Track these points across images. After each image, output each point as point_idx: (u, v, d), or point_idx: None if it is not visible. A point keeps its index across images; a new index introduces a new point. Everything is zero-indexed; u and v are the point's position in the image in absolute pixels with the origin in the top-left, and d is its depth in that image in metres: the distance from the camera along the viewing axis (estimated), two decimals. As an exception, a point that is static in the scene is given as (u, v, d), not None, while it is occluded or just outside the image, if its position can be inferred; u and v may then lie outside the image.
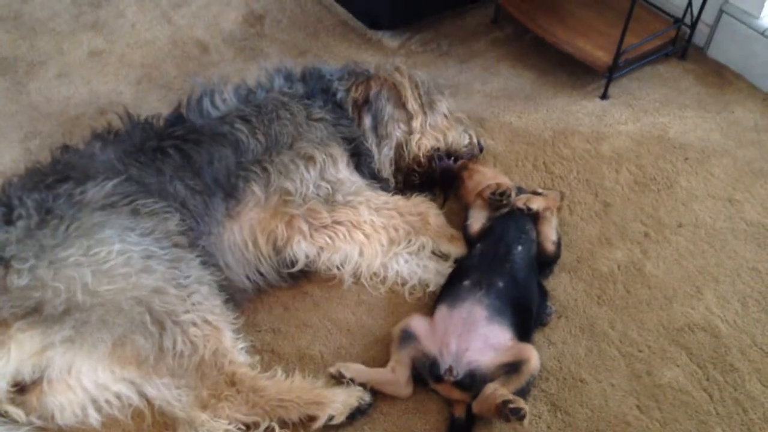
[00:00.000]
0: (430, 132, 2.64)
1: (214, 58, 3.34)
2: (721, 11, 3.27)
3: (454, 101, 2.81)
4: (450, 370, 1.96)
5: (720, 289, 2.39)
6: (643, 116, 3.08)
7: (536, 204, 2.31)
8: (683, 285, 2.40)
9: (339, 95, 2.56)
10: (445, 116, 2.69)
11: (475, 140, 2.75)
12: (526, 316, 2.11)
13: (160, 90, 3.15)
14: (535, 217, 2.34)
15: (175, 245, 2.04)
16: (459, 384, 1.96)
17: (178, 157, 2.21)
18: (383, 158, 2.57)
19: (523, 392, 1.97)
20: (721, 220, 2.63)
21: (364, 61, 2.80)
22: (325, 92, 2.55)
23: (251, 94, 2.47)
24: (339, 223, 2.31)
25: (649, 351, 2.21)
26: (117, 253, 1.90)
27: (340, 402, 1.97)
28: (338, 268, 2.34)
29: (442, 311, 2.09)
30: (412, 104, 2.59)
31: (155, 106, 3.03)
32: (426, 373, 2.03)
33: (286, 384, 2.00)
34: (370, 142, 2.55)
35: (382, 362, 2.12)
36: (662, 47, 3.28)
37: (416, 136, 2.61)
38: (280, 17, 3.61)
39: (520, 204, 2.31)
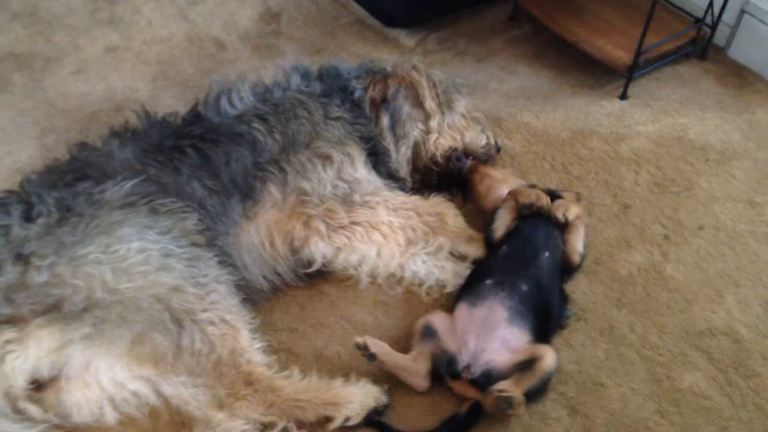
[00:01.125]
0: (448, 131, 2.61)
1: (230, 56, 3.33)
2: (742, 11, 3.23)
3: (471, 100, 2.78)
4: (468, 367, 1.96)
5: (741, 293, 2.36)
6: (663, 117, 3.05)
7: (573, 214, 2.26)
8: (704, 288, 2.37)
9: (356, 94, 2.54)
10: (463, 116, 2.67)
11: (492, 141, 2.72)
12: (547, 321, 2.09)
13: (176, 87, 3.14)
14: (563, 226, 2.29)
15: (193, 244, 2.03)
16: (475, 382, 1.96)
17: (196, 157, 2.20)
18: (401, 158, 2.55)
19: (539, 392, 1.96)
20: (741, 223, 2.59)
21: (381, 59, 2.77)
22: (342, 91, 2.53)
23: (268, 93, 2.45)
24: (356, 223, 2.29)
25: (669, 355, 2.19)
26: (136, 251, 1.89)
27: (357, 402, 1.96)
28: (355, 269, 2.32)
29: (462, 309, 2.08)
30: (430, 103, 2.56)
31: (171, 103, 3.02)
32: (443, 369, 2.02)
33: (302, 384, 1.99)
34: (388, 141, 2.53)
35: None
36: (682, 47, 3.25)
37: (434, 136, 2.59)
38: (296, 15, 3.59)
39: (559, 214, 2.24)
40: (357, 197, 2.33)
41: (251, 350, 2.00)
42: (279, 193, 2.25)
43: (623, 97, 3.14)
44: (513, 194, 2.34)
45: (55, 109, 3.01)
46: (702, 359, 2.18)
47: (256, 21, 3.55)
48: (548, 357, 1.94)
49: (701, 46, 3.32)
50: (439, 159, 2.61)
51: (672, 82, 3.23)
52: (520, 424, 2.00)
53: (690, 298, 2.34)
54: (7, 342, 1.79)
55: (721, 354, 2.19)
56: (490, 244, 2.32)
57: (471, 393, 1.99)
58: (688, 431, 2.01)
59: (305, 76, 2.55)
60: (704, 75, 3.27)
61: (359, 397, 1.98)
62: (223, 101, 2.39)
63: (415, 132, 2.58)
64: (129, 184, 2.05)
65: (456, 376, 1.98)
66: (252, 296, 2.22)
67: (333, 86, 2.53)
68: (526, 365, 1.93)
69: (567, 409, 2.05)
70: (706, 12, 3.20)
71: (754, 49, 3.25)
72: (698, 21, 3.23)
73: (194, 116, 2.37)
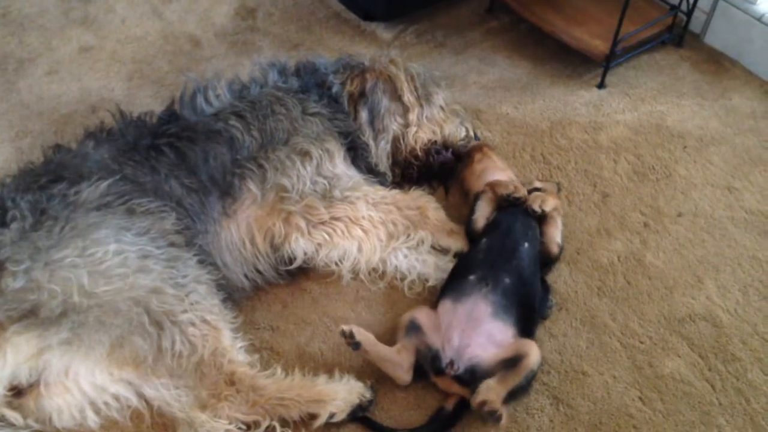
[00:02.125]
0: (427, 125, 2.61)
1: (206, 53, 3.30)
2: (717, -2, 3.25)
3: (450, 93, 2.78)
4: (451, 364, 1.95)
5: (720, 279, 2.38)
6: (641, 105, 3.06)
7: (549, 205, 2.27)
8: (683, 275, 2.39)
9: (334, 89, 2.52)
10: (442, 108, 2.66)
11: (471, 133, 2.72)
12: (530, 313, 2.09)
13: (152, 86, 3.11)
14: (541, 217, 2.29)
15: (172, 244, 2.01)
16: (459, 378, 1.95)
17: (173, 156, 2.18)
18: (380, 152, 2.55)
19: (523, 389, 1.96)
20: (720, 209, 2.61)
21: (359, 53, 2.76)
22: (320, 86, 2.52)
23: (245, 90, 2.43)
24: (337, 219, 2.28)
25: (650, 342, 2.20)
26: (113, 254, 1.87)
27: (341, 399, 1.95)
28: (337, 264, 2.31)
29: (446, 305, 2.07)
30: (408, 96, 2.55)
31: (147, 102, 2.99)
32: (428, 365, 2.01)
33: (286, 382, 1.98)
34: (367, 136, 2.52)
35: (382, 358, 2.11)
36: (659, 35, 3.26)
37: (413, 129, 2.58)
38: (273, 10, 3.57)
39: (535, 206, 2.25)
40: (337, 193, 2.31)
41: (233, 350, 1.98)
42: (258, 190, 2.23)
43: (601, 86, 3.15)
44: (491, 186, 2.34)
45: (29, 111, 2.97)
46: (683, 345, 2.19)
47: (231, 17, 3.52)
48: (533, 354, 1.94)
49: (677, 33, 3.33)
50: (419, 152, 2.60)
51: (649, 70, 3.24)
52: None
53: (670, 285, 2.35)
54: None
55: (701, 339, 2.21)
56: (472, 236, 2.32)
57: (455, 389, 1.99)
58: (671, 417, 2.02)
59: (282, 71, 2.53)
60: (681, 62, 3.28)
61: (343, 393, 1.97)
62: (199, 99, 2.36)
63: (393, 126, 2.57)
64: (104, 184, 2.03)
65: (440, 372, 1.98)
66: (233, 295, 2.20)
67: (310, 82, 2.52)
68: (511, 362, 1.93)
69: (550, 399, 2.05)
70: (682, -1, 3.22)
71: (729, 35, 3.26)
72: (674, 8, 3.25)
73: (170, 115, 2.35)
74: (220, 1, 3.61)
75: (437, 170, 2.63)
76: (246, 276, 2.26)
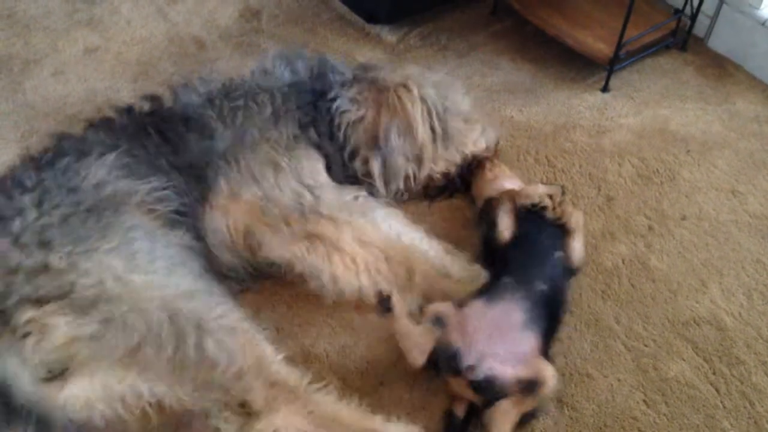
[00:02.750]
0: (444, 159, 2.52)
1: (211, 55, 3.31)
2: (721, 2, 3.26)
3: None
4: (472, 368, 1.88)
5: (725, 282, 2.39)
6: (645, 109, 3.07)
7: (575, 219, 2.23)
8: (688, 278, 2.39)
9: (336, 104, 2.40)
10: (461, 132, 2.56)
11: (492, 143, 2.63)
12: (554, 328, 2.06)
13: (157, 87, 3.07)
14: (564, 229, 2.24)
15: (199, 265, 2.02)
16: (475, 384, 1.89)
17: (157, 137, 2.19)
18: (389, 193, 2.49)
19: (533, 414, 1.95)
20: (724, 213, 2.62)
21: (372, 60, 2.73)
22: (317, 93, 2.42)
23: (236, 81, 2.40)
24: (317, 236, 2.19)
25: (655, 345, 2.20)
26: (147, 252, 1.88)
27: None
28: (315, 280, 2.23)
29: (476, 306, 1.99)
30: (423, 136, 2.43)
31: (153, 103, 3.00)
32: (444, 363, 1.94)
33: (341, 405, 1.90)
34: (378, 184, 2.45)
35: (388, 360, 2.12)
36: (663, 39, 3.27)
37: (428, 166, 2.50)
38: (277, 12, 3.58)
39: (570, 223, 2.21)
40: (323, 208, 2.22)
41: (276, 360, 1.91)
42: (230, 190, 2.19)
43: (605, 89, 3.16)
44: (510, 195, 2.26)
45: (35, 112, 2.97)
46: (687, 348, 2.19)
47: (236, 19, 3.53)
48: (550, 382, 1.88)
49: (681, 37, 3.34)
50: (436, 180, 2.55)
51: (653, 74, 3.25)
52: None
53: (674, 289, 2.36)
54: (29, 321, 1.75)
55: (705, 343, 2.21)
56: (493, 248, 2.23)
57: (467, 393, 1.93)
58: (675, 420, 2.02)
59: (289, 63, 2.48)
60: (685, 66, 3.29)
61: None
62: (188, 89, 2.38)
63: (408, 169, 2.48)
64: (111, 157, 2.05)
65: (456, 372, 1.91)
66: (231, 285, 2.19)
67: (307, 82, 2.45)
68: (529, 387, 1.88)
69: (554, 402, 2.05)
70: (686, 3, 3.23)
71: (733, 40, 3.27)
72: (678, 12, 3.25)
73: (155, 102, 2.38)
74: (224, 3, 3.62)
75: (459, 187, 2.59)
76: (233, 263, 2.23)
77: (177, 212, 2.09)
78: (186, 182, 2.15)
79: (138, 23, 3.47)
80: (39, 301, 1.77)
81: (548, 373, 1.89)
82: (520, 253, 2.14)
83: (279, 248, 2.20)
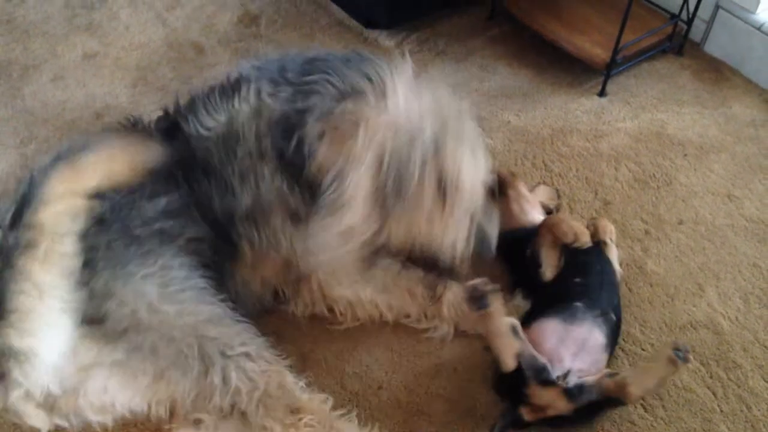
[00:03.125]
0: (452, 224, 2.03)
1: (210, 60, 3.32)
2: (717, 7, 3.27)
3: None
4: (565, 375, 1.87)
5: (721, 286, 2.40)
6: (641, 113, 3.08)
7: (611, 233, 2.23)
8: (685, 282, 2.41)
9: (304, 147, 1.96)
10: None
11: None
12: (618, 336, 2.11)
13: (156, 92, 3.12)
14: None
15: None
16: (568, 392, 1.85)
17: (186, 187, 2.04)
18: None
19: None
20: (720, 217, 2.63)
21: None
22: (286, 132, 1.98)
23: (234, 111, 2.06)
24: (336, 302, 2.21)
25: (651, 349, 2.21)
26: (181, 280, 1.87)
27: None
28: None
29: (553, 324, 1.98)
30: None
31: (152, 109, 2.99)
32: (532, 374, 1.88)
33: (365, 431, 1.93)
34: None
35: (386, 364, 2.13)
36: (659, 43, 3.28)
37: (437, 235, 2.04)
38: (275, 17, 3.59)
39: (606, 239, 2.21)
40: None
41: (298, 387, 1.91)
42: (256, 253, 2.10)
43: (602, 94, 3.17)
44: (549, 229, 2.19)
45: (34, 118, 2.98)
46: (684, 352, 2.21)
47: (234, 24, 3.54)
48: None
49: (678, 42, 3.36)
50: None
51: (650, 79, 3.26)
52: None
53: (671, 293, 2.37)
54: None
55: (702, 347, 2.22)
56: (538, 284, 2.19)
57: (558, 403, 1.86)
58: (673, 424, 2.03)
59: (276, 81, 2.06)
60: (681, 70, 3.30)
61: None
62: (200, 112, 2.09)
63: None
64: (162, 201, 1.98)
65: (547, 383, 1.87)
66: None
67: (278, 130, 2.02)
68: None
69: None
70: (682, 8, 3.24)
71: (729, 44, 3.29)
72: (674, 17, 3.27)
73: (171, 127, 2.12)
74: (223, 8, 3.63)
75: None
76: (257, 306, 2.23)
77: (207, 265, 2.04)
78: (215, 237, 2.08)
79: (137, 29, 3.49)
80: None
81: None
82: (580, 278, 2.11)
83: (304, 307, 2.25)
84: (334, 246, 1.98)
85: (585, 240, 2.18)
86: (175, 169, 2.01)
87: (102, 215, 1.88)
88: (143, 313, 1.80)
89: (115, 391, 1.82)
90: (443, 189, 1.88)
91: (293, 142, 1.94)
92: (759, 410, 2.06)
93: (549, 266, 2.18)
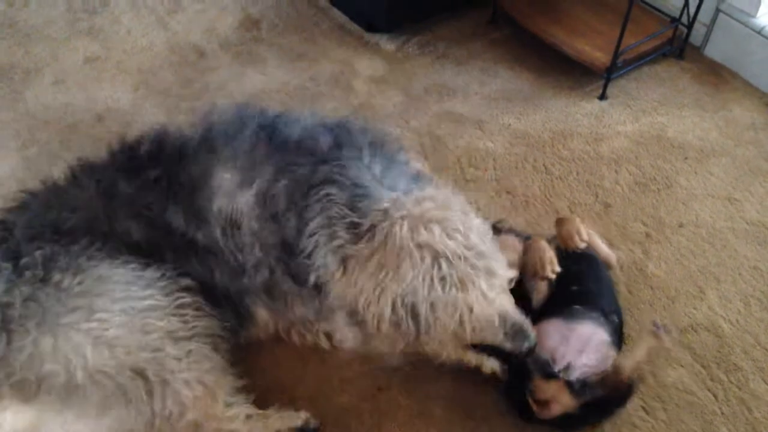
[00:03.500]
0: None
1: (211, 64, 3.33)
2: (717, 10, 3.28)
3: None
4: (567, 368, 1.90)
5: (722, 289, 2.40)
6: (642, 116, 3.09)
7: (585, 234, 2.19)
8: (685, 285, 2.40)
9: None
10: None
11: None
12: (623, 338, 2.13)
13: (157, 96, 3.13)
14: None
15: (185, 288, 1.93)
16: (571, 384, 1.87)
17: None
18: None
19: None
20: (721, 220, 2.63)
21: (369, 70, 2.71)
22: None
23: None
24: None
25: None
26: (119, 314, 1.79)
27: None
28: None
29: (555, 323, 2.01)
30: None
31: (153, 112, 3.02)
32: (536, 368, 1.91)
33: None
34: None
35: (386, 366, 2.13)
36: (660, 47, 3.29)
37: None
38: (277, 21, 3.60)
39: (579, 244, 2.17)
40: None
41: (224, 418, 1.89)
42: (273, 319, 2.10)
43: (602, 97, 3.17)
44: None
45: (36, 121, 2.99)
46: (685, 355, 2.20)
47: (236, 28, 3.55)
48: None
49: (678, 45, 3.36)
50: None
51: (650, 82, 3.27)
52: (505, 424, 2.02)
53: (672, 295, 2.37)
54: None
55: (703, 349, 2.22)
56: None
57: (562, 397, 1.88)
58: (673, 426, 2.03)
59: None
60: (682, 74, 3.31)
61: None
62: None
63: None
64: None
65: (550, 376, 1.89)
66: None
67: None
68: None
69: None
70: (682, 12, 3.25)
71: (729, 48, 3.29)
72: (674, 21, 3.28)
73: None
74: (224, 12, 3.64)
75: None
76: None
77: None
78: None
79: (138, 32, 3.50)
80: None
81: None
82: (577, 286, 2.12)
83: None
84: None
85: (552, 269, 2.11)
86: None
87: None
88: (80, 376, 1.72)
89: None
90: (471, 328, 1.83)
91: (302, 267, 1.92)
92: (760, 412, 2.06)
93: (538, 300, 2.15)
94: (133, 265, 1.89)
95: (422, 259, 1.78)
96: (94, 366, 1.74)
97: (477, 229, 1.90)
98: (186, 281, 1.94)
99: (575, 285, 2.12)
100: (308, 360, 2.19)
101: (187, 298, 1.92)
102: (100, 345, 1.75)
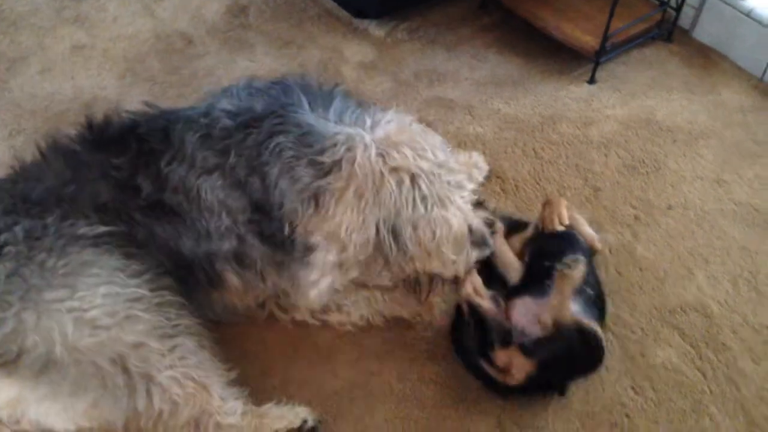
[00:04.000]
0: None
1: (198, 51, 3.31)
2: (705, -7, 3.28)
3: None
4: (522, 332, 1.96)
5: (710, 270, 2.41)
6: (631, 100, 3.09)
7: (566, 217, 2.24)
8: (674, 266, 2.42)
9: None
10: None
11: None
12: (604, 312, 2.16)
13: (144, 84, 3.11)
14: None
15: (167, 287, 1.92)
16: (523, 347, 1.94)
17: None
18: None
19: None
20: (710, 202, 2.64)
21: (358, 55, 2.69)
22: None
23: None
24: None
25: (642, 332, 2.22)
26: (102, 297, 1.78)
27: None
28: None
29: (525, 300, 2.05)
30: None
31: (140, 100, 2.95)
32: (497, 337, 1.98)
33: None
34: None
35: (379, 350, 2.13)
36: (648, 30, 3.29)
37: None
38: (264, 8, 3.57)
39: (557, 226, 2.22)
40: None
41: (221, 411, 1.87)
42: (241, 283, 2.07)
43: (591, 81, 3.18)
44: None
45: (22, 110, 2.96)
46: (674, 335, 2.22)
47: (223, 14, 3.53)
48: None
49: (667, 28, 3.37)
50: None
51: (639, 65, 3.27)
52: (496, 407, 2.04)
53: (661, 276, 2.38)
54: None
55: (692, 329, 2.24)
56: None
57: (519, 361, 1.94)
58: (663, 405, 2.05)
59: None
60: (670, 57, 3.31)
61: None
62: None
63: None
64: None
65: (507, 344, 1.96)
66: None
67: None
68: None
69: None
70: (671, -5, 3.25)
71: (718, 31, 3.30)
72: (663, 4, 3.28)
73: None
74: (211, -1, 3.62)
75: None
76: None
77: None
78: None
79: (125, 20, 3.47)
80: None
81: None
82: (550, 261, 2.12)
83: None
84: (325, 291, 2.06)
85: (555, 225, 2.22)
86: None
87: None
88: (58, 351, 1.71)
89: (50, 421, 1.78)
90: (436, 241, 1.92)
91: (275, 223, 1.94)
92: (748, 391, 2.08)
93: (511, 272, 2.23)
94: (117, 255, 1.88)
95: (400, 182, 1.84)
96: (73, 343, 1.73)
97: (440, 145, 1.98)
98: (167, 280, 1.94)
99: (549, 261, 2.13)
100: (298, 345, 2.19)
101: (170, 297, 1.91)
102: (81, 324, 1.74)
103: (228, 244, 1.98)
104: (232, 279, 2.05)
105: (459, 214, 1.92)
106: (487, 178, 2.68)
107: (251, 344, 2.17)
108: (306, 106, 1.96)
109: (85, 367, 1.74)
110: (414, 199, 1.86)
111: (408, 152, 1.87)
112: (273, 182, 1.89)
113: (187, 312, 1.95)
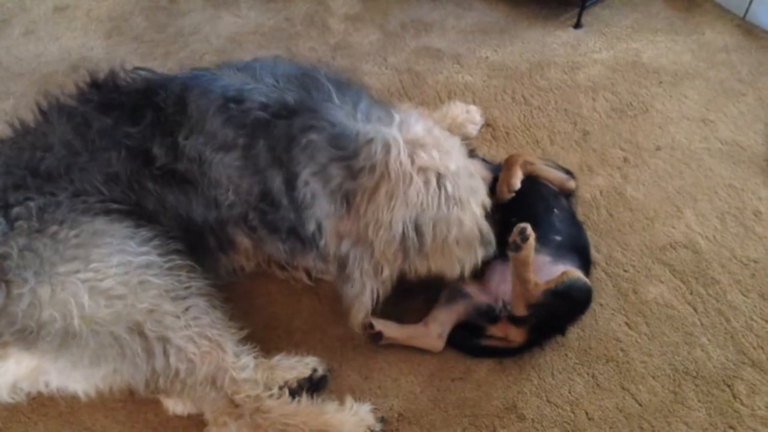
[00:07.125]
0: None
1: (183, 8, 3.28)
2: (688, -67, 3.28)
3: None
4: (504, 306, 2.04)
5: (699, 207, 2.48)
6: (617, 43, 3.12)
7: (518, 177, 2.25)
8: (663, 206, 2.48)
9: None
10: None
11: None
12: (587, 260, 2.20)
13: (131, 43, 3.09)
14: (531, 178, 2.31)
15: (176, 251, 1.96)
16: (513, 319, 2.02)
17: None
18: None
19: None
20: (696, 141, 2.69)
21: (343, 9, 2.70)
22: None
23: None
24: None
25: (634, 270, 2.29)
26: (116, 266, 1.81)
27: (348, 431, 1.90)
28: None
29: (496, 267, 2.12)
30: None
31: (128, 59, 2.98)
32: (482, 320, 2.08)
33: (291, 407, 1.92)
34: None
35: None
36: (632, -27, 3.30)
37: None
38: (247, -38, 3.54)
39: (511, 188, 2.24)
40: None
41: (236, 368, 1.92)
42: (252, 244, 2.16)
43: (577, 26, 3.19)
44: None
45: (9, 73, 2.94)
46: (665, 272, 2.29)
47: (206, -30, 3.49)
48: (574, 272, 2.01)
49: (650, -30, 3.37)
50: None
51: (624, 9, 3.28)
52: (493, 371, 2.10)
53: (651, 216, 2.45)
54: None
55: (682, 266, 2.31)
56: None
57: (513, 332, 2.03)
58: (656, 339, 2.13)
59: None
60: (654, -1, 3.33)
61: (350, 425, 1.91)
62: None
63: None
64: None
65: (495, 320, 2.06)
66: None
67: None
68: None
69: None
70: (654, -64, 3.25)
71: (701, -29, 3.31)
72: (646, -55, 3.28)
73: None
74: (192, -46, 3.57)
75: None
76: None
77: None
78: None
79: (106, -22, 3.42)
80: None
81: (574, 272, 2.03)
82: (516, 217, 2.14)
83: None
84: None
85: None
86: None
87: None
88: (77, 324, 1.75)
89: (72, 389, 1.87)
90: (451, 240, 1.96)
91: (310, 226, 1.97)
92: (738, 322, 2.16)
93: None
94: (126, 223, 1.91)
95: (427, 182, 1.88)
96: (90, 315, 1.76)
97: (460, 149, 2.02)
98: (177, 245, 1.98)
99: (514, 217, 2.16)
100: (302, 295, 2.25)
101: (179, 261, 1.95)
102: (97, 295, 1.78)
103: (238, 210, 2.04)
104: (243, 240, 2.10)
105: (472, 216, 1.97)
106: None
107: (255, 298, 2.23)
108: (336, 101, 1.96)
109: (103, 338, 1.78)
110: (439, 199, 1.89)
111: (435, 153, 1.90)
112: (303, 180, 1.91)
113: (197, 274, 1.99)
